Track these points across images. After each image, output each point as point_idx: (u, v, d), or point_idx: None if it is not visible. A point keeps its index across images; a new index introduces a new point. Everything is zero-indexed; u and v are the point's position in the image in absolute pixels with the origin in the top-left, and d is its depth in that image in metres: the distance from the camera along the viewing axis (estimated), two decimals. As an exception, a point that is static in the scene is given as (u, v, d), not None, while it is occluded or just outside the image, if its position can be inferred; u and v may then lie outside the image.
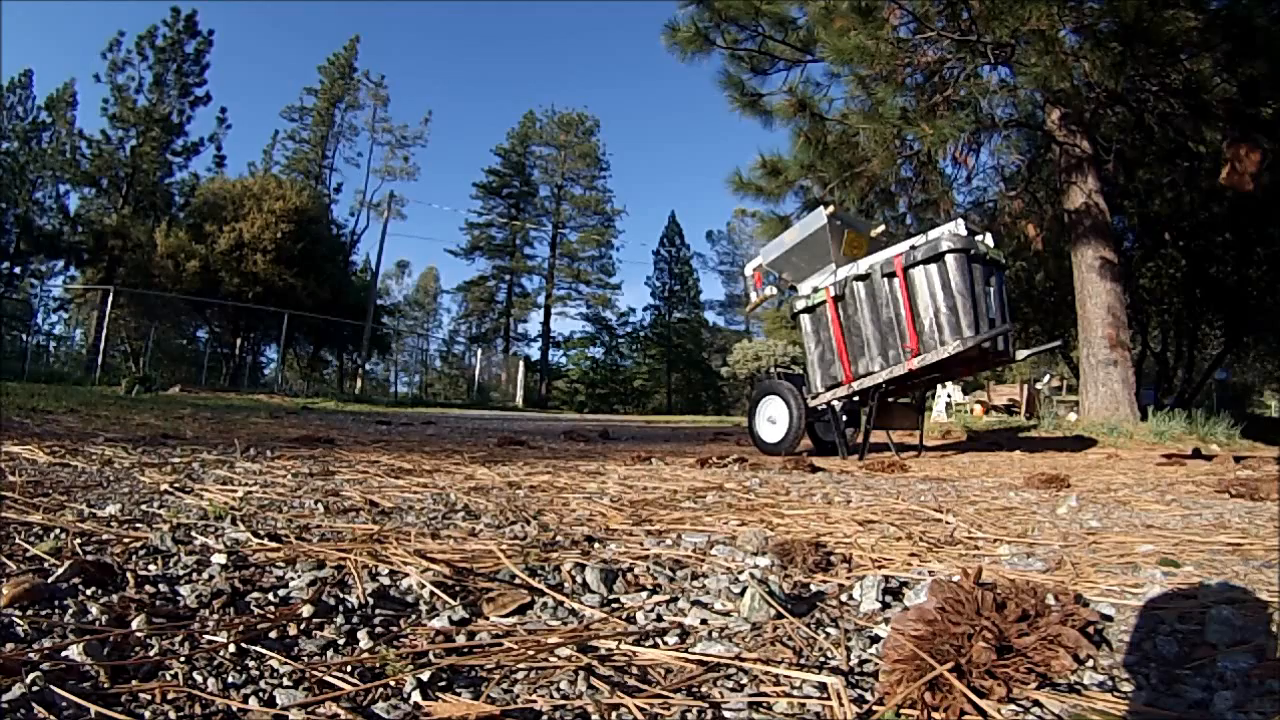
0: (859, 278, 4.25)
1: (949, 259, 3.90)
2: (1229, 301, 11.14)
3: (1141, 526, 1.63)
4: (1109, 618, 0.92)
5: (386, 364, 32.21)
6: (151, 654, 0.73)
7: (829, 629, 0.89)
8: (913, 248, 4.06)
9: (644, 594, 1.03)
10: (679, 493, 2.14)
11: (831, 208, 4.47)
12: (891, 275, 4.11)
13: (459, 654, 0.78)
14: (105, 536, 1.20)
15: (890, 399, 4.73)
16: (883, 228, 4.93)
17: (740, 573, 1.13)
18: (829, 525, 1.60)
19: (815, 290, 4.47)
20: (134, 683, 0.66)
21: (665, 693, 0.69)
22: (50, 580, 0.91)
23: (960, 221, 4.13)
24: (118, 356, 20.71)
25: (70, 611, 0.83)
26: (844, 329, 4.33)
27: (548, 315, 41.55)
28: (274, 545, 1.20)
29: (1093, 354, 6.74)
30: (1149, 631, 0.86)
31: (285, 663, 0.72)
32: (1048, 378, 18.42)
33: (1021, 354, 4.60)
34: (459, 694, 0.68)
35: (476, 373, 27.16)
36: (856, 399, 4.44)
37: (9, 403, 5.10)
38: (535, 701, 0.67)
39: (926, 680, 0.67)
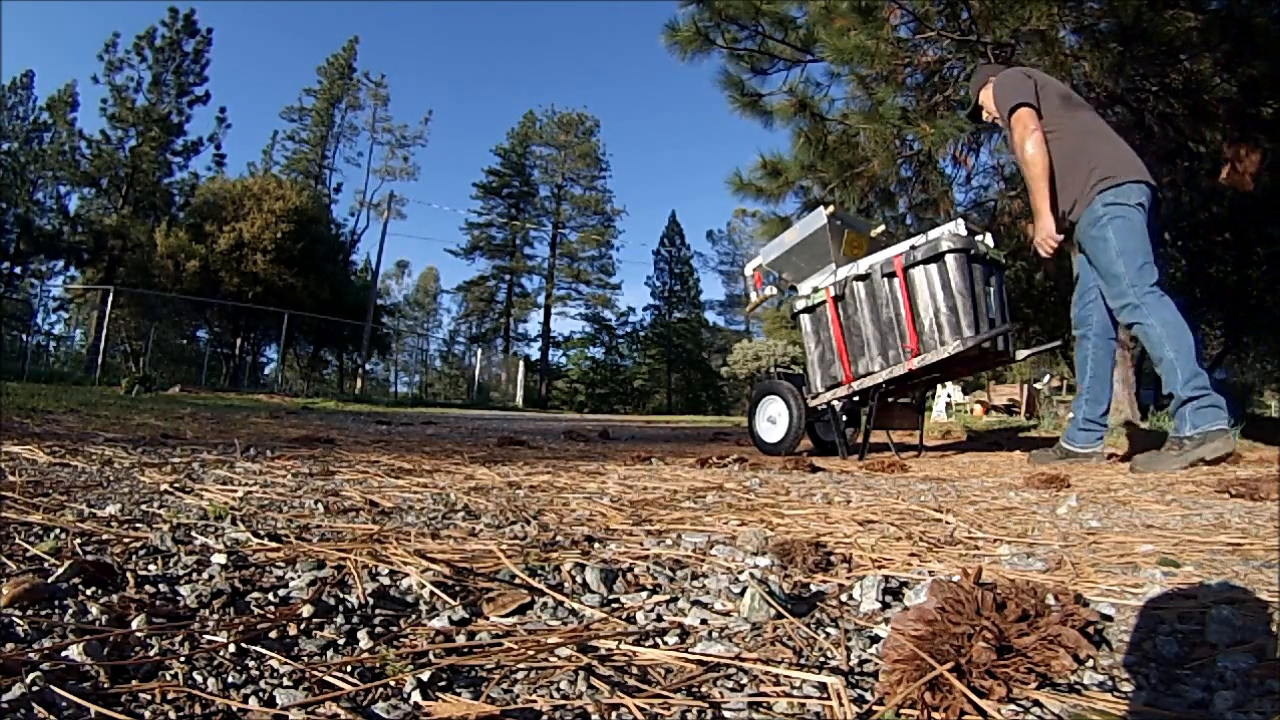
0: (859, 278, 4.25)
1: (949, 259, 3.90)
2: (1229, 301, 11.13)
3: (1141, 526, 1.63)
4: (1109, 618, 0.92)
5: (386, 364, 32.24)
6: (151, 654, 0.73)
7: (829, 629, 0.89)
8: (913, 248, 4.05)
9: (644, 594, 1.03)
10: (679, 493, 2.14)
11: (831, 208, 4.46)
12: (891, 275, 4.11)
13: (459, 654, 0.78)
14: (105, 536, 1.20)
15: (890, 399, 4.73)
16: (883, 228, 4.91)
17: (740, 573, 1.13)
18: (829, 525, 1.60)
19: (815, 290, 4.46)
20: (134, 683, 0.66)
21: (665, 693, 0.69)
22: (50, 580, 0.91)
23: (960, 221, 4.12)
24: (118, 356, 20.72)
25: (70, 611, 0.83)
26: (844, 329, 4.33)
27: (548, 315, 41.59)
28: (274, 545, 1.20)
29: (1093, 354, 6.73)
30: (1149, 631, 0.86)
31: (285, 663, 0.72)
32: (1048, 378, 18.44)
33: (1021, 354, 4.59)
34: (459, 694, 0.68)
35: (476, 373, 27.19)
36: (856, 399, 4.44)
37: (9, 403, 5.10)
38: (535, 701, 0.67)
39: (926, 680, 0.67)
